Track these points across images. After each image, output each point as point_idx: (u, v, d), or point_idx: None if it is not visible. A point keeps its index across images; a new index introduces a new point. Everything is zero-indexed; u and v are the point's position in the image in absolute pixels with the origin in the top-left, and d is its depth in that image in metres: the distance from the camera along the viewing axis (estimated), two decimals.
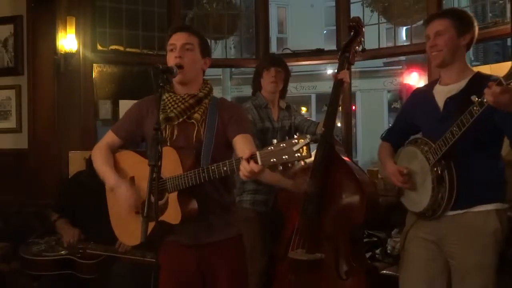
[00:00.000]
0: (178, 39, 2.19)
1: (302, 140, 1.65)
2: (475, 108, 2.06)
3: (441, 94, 2.40)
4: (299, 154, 1.65)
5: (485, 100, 2.02)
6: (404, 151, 2.51)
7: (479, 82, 2.26)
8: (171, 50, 2.20)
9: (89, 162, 3.60)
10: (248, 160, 1.76)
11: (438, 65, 2.39)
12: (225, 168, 1.91)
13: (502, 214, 2.31)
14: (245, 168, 1.78)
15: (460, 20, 2.35)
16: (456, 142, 2.17)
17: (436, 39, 2.33)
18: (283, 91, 3.36)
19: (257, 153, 1.74)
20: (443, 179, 2.27)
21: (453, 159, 2.26)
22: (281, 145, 1.68)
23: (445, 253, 2.37)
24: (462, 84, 2.34)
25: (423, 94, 2.52)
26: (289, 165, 1.69)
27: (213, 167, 1.94)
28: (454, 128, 2.15)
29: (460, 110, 2.14)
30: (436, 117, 2.37)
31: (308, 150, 1.66)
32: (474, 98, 2.04)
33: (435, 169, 2.28)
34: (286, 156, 1.67)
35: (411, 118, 2.56)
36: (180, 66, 2.14)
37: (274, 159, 1.69)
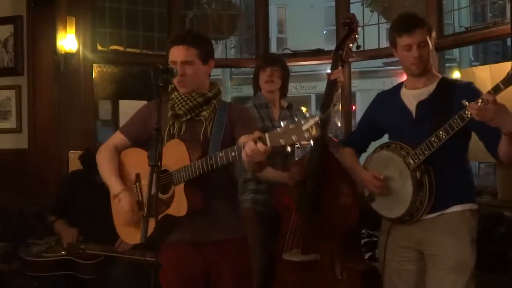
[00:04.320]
0: (177, 56, 2.19)
1: (311, 120, 1.63)
2: (467, 112, 2.06)
3: (410, 98, 2.40)
4: (308, 134, 1.62)
5: (479, 104, 2.01)
6: (377, 156, 2.47)
7: (447, 86, 2.32)
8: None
9: (84, 160, 3.61)
10: (255, 142, 1.74)
11: (418, 75, 2.38)
12: (233, 154, 1.89)
13: (475, 214, 2.34)
14: (249, 147, 1.75)
15: (430, 27, 2.37)
16: (440, 146, 2.17)
17: (420, 50, 2.31)
18: (283, 90, 3.33)
19: (266, 134, 1.73)
20: (423, 184, 2.27)
21: (430, 162, 2.26)
22: (290, 126, 1.66)
23: (424, 256, 2.37)
24: (430, 88, 2.36)
25: (390, 98, 2.51)
26: (297, 145, 1.66)
27: (220, 154, 1.93)
28: (441, 133, 2.15)
29: (433, 114, 2.17)
30: (409, 121, 2.36)
31: (318, 129, 1.63)
32: (465, 102, 2.03)
33: (415, 173, 2.27)
34: (295, 136, 1.64)
35: (378, 122, 2.55)
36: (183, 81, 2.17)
37: (283, 140, 1.67)
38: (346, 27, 3.06)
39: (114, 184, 2.24)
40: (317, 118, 1.63)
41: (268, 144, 1.71)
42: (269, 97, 3.27)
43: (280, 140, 1.68)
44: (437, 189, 2.27)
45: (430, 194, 2.27)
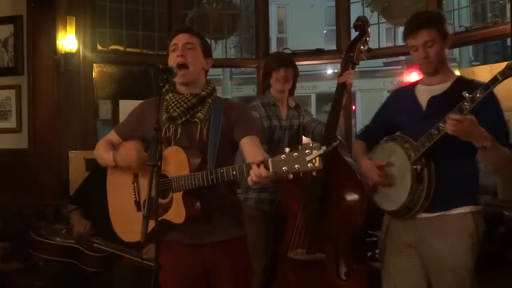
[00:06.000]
0: (180, 39, 2.21)
1: (316, 151, 1.64)
2: (465, 103, 2.06)
3: (424, 93, 2.40)
4: (311, 165, 1.64)
5: (477, 96, 2.03)
6: (381, 148, 2.48)
7: (462, 85, 2.29)
8: (173, 50, 2.20)
9: None
10: (258, 165, 1.76)
11: (430, 74, 2.38)
12: (234, 172, 1.89)
13: (477, 216, 2.31)
14: (254, 173, 1.78)
15: (442, 26, 2.34)
16: (440, 140, 2.16)
17: (426, 50, 2.31)
18: (292, 89, 3.36)
19: (269, 160, 1.74)
20: (423, 177, 2.25)
21: (433, 158, 2.25)
22: (294, 154, 1.67)
23: (421, 256, 2.35)
24: (445, 85, 2.35)
25: (405, 93, 2.52)
26: (300, 174, 1.68)
27: (222, 170, 1.92)
28: (441, 124, 2.14)
29: (443, 109, 2.15)
30: (418, 115, 2.36)
31: (321, 160, 1.64)
32: (465, 94, 2.04)
33: (415, 166, 2.26)
34: (298, 166, 1.66)
35: (391, 116, 2.54)
36: (183, 65, 2.15)
37: (286, 168, 1.69)
38: (358, 29, 3.05)
39: (107, 155, 2.22)
40: (321, 151, 1.64)
41: (271, 170, 1.73)
42: (278, 96, 3.28)
43: (283, 168, 1.69)
44: (440, 188, 2.25)
45: (429, 188, 2.25)
